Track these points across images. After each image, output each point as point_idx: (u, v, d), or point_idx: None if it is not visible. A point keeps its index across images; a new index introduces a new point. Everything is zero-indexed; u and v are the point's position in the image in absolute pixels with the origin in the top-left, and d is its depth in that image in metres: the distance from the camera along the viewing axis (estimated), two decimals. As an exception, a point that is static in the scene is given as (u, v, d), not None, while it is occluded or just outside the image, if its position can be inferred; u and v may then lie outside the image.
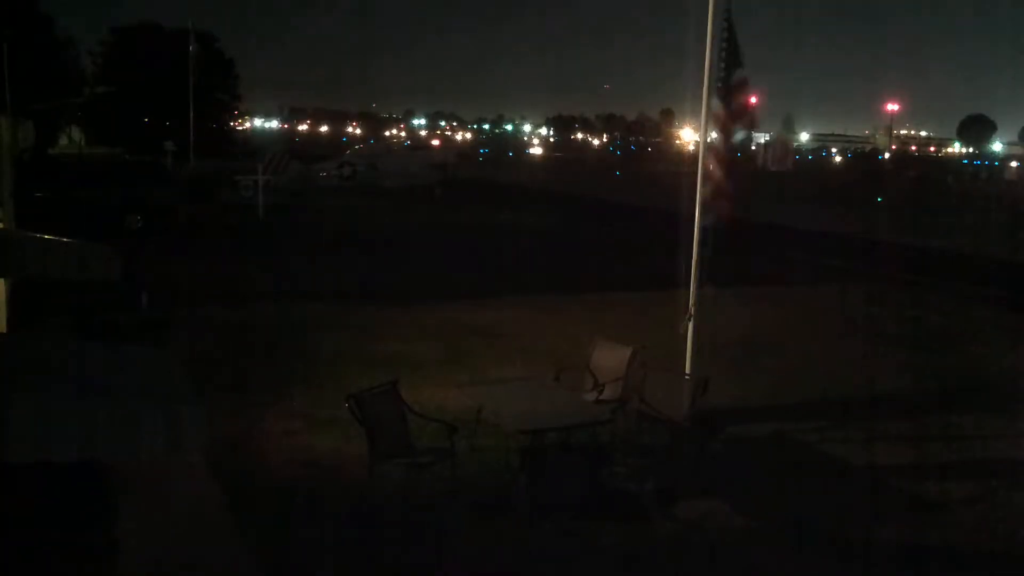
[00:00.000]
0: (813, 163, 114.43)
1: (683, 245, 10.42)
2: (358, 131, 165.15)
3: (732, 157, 9.76)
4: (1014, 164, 78.76)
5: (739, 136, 9.75)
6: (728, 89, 9.62)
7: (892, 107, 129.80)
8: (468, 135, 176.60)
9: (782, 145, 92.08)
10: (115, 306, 13.62)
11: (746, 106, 9.74)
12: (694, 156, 10.77)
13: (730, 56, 9.57)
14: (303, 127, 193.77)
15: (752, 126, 9.98)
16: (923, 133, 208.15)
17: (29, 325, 12.34)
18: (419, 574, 6.99)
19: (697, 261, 9.99)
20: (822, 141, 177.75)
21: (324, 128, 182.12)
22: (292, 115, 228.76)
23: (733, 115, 9.64)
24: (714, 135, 9.86)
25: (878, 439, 10.22)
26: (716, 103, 9.64)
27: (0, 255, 7.93)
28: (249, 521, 7.58)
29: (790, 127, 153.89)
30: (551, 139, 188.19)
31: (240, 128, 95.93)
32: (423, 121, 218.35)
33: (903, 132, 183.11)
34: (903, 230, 31.68)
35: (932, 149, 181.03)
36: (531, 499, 8.05)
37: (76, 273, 7.89)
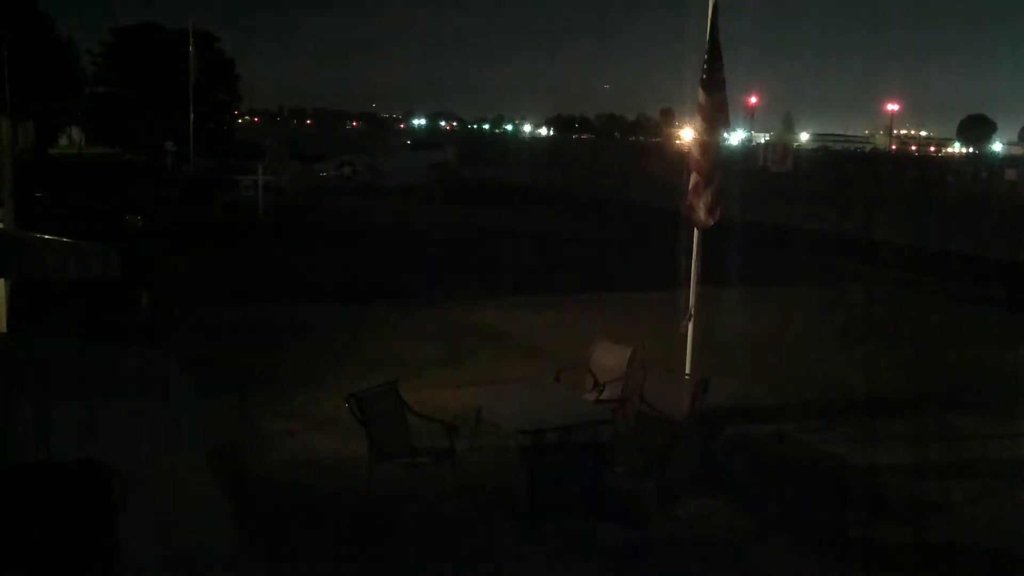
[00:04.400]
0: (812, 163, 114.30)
1: (683, 244, 10.42)
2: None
3: (716, 157, 9.73)
4: (1011, 171, 78.74)
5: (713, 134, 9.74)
6: (712, 81, 9.61)
7: (892, 107, 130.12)
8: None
9: (782, 145, 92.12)
10: (115, 306, 13.62)
11: (723, 103, 9.75)
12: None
13: (713, 50, 9.58)
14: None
15: (726, 125, 9.97)
16: (923, 133, 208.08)
17: (29, 325, 12.34)
18: (419, 574, 6.99)
19: (697, 260, 9.99)
20: (822, 141, 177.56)
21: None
22: (292, 115, 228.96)
23: (715, 107, 9.64)
24: (695, 134, 9.84)
25: (878, 439, 10.22)
26: (700, 93, 9.63)
27: (0, 255, 7.92)
28: (249, 521, 7.59)
29: (790, 127, 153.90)
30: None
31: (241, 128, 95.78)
32: (423, 121, 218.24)
33: (903, 132, 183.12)
34: (903, 230, 31.66)
35: (932, 149, 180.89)
36: (531, 499, 8.05)
37: (76, 273, 7.87)
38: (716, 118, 9.68)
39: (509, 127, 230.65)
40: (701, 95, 9.60)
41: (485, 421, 8.83)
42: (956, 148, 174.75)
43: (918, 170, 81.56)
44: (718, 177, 9.74)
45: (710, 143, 9.66)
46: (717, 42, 9.55)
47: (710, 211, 9.66)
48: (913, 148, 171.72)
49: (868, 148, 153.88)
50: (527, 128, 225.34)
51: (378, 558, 7.10)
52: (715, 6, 9.47)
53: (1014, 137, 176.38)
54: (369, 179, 41.95)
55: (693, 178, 9.72)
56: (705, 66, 9.56)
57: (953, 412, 11.31)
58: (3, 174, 12.94)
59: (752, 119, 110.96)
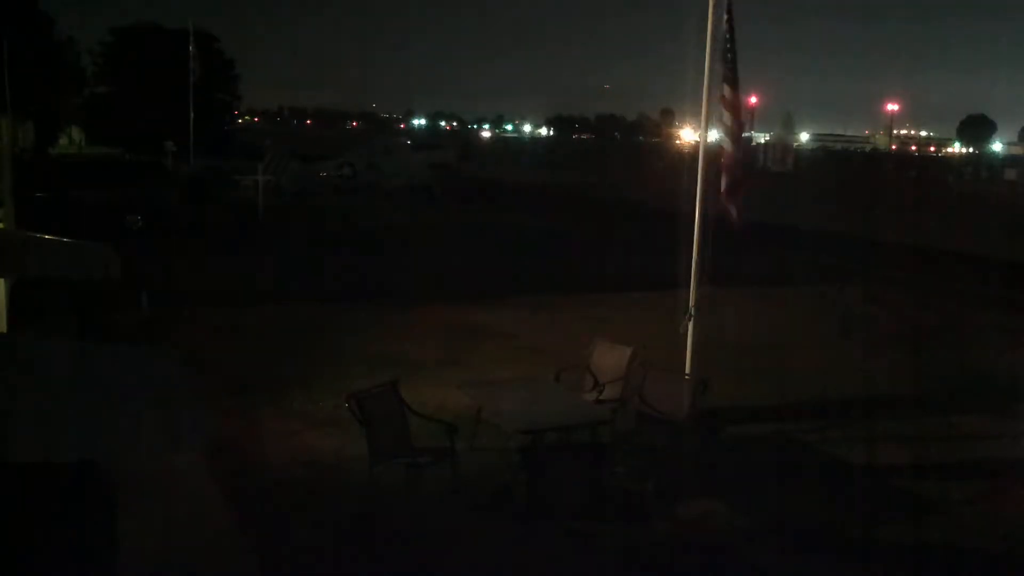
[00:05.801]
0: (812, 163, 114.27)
1: (682, 244, 10.41)
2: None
3: (742, 153, 9.71)
4: (1011, 171, 78.80)
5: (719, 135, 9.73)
6: (735, 74, 9.55)
7: (892, 107, 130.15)
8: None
9: (782, 145, 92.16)
10: (115, 306, 13.62)
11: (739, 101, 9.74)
12: (692, 155, 10.76)
13: (733, 45, 9.53)
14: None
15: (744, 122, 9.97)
16: (923, 133, 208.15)
17: (29, 325, 12.34)
18: (419, 574, 6.99)
19: (697, 260, 9.98)
20: (822, 141, 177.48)
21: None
22: (292, 115, 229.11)
23: (739, 102, 9.61)
24: (721, 134, 9.77)
25: (878, 439, 10.22)
26: (726, 88, 9.57)
27: (0, 255, 7.92)
28: (249, 521, 7.59)
29: (790, 127, 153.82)
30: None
31: (241, 128, 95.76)
32: (423, 121, 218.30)
33: (903, 132, 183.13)
34: (903, 230, 31.65)
35: (932, 149, 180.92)
36: (531, 499, 8.05)
37: (76, 273, 7.88)
38: (743, 114, 9.69)
39: (509, 127, 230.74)
40: (727, 90, 9.54)
41: (485, 421, 8.84)
42: (956, 148, 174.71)
43: (918, 170, 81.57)
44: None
45: (739, 139, 9.67)
46: (735, 37, 9.50)
47: (740, 209, 9.65)
48: (913, 148, 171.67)
49: (868, 148, 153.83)
50: (527, 128, 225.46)
51: (378, 558, 7.10)
52: (730, 4, 9.44)
53: (1014, 137, 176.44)
54: (369, 179, 41.94)
55: (725, 176, 9.65)
56: (729, 58, 9.49)
57: (953, 412, 11.30)
58: (3, 174, 12.94)
59: (752, 119, 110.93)
